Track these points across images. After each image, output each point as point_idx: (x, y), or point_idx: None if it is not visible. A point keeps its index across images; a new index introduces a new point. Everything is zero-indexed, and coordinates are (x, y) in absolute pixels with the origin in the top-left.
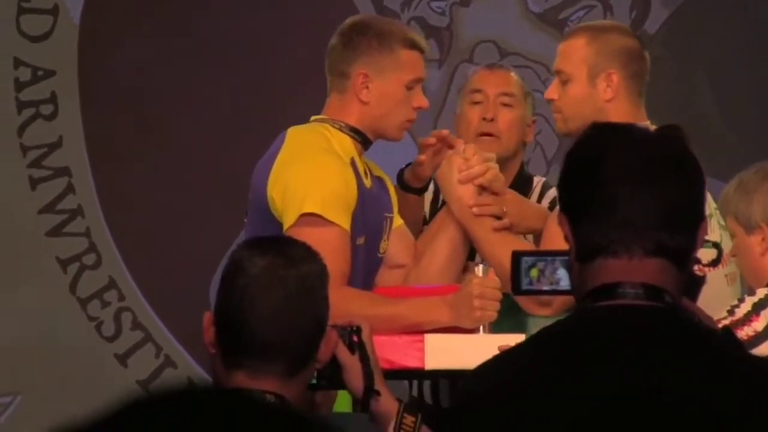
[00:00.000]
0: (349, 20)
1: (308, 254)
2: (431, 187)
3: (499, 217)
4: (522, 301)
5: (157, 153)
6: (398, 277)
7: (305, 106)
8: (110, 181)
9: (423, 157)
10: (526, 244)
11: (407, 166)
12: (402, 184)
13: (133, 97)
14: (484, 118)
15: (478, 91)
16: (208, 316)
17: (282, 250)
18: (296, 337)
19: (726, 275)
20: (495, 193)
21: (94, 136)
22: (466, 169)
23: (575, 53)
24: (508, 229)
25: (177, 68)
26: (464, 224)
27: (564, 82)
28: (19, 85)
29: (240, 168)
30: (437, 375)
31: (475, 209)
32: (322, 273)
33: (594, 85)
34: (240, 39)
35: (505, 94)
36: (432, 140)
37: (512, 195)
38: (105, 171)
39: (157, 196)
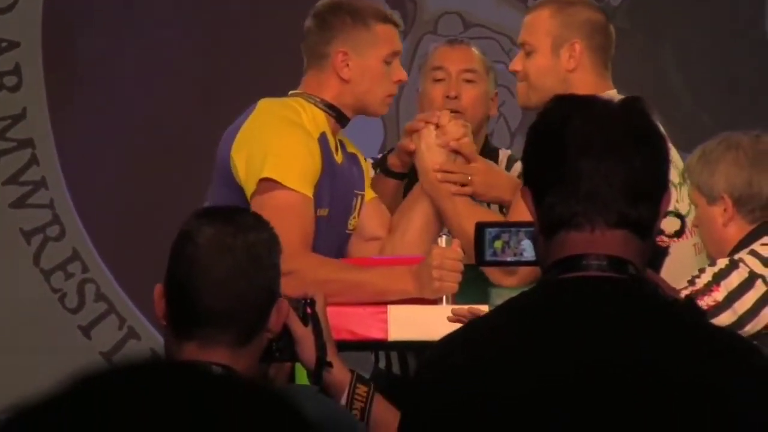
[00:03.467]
0: (320, 2)
1: (257, 222)
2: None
3: (463, 185)
4: (488, 271)
5: (121, 125)
6: (373, 249)
7: (278, 86)
8: (74, 153)
9: (412, 145)
10: (494, 215)
11: (390, 150)
12: (385, 169)
13: (97, 69)
14: (447, 96)
15: (439, 68)
16: (158, 288)
17: (230, 218)
18: (245, 305)
19: (694, 244)
20: (466, 159)
21: (58, 109)
22: (442, 135)
23: (540, 25)
24: (472, 197)
25: (145, 41)
26: (432, 196)
27: (528, 54)
28: None
29: (205, 138)
30: (400, 346)
31: (439, 175)
32: (270, 241)
33: (557, 56)
34: (214, 12)
35: (468, 71)
36: (420, 125)
37: (482, 163)
38: (69, 143)
39: (120, 168)
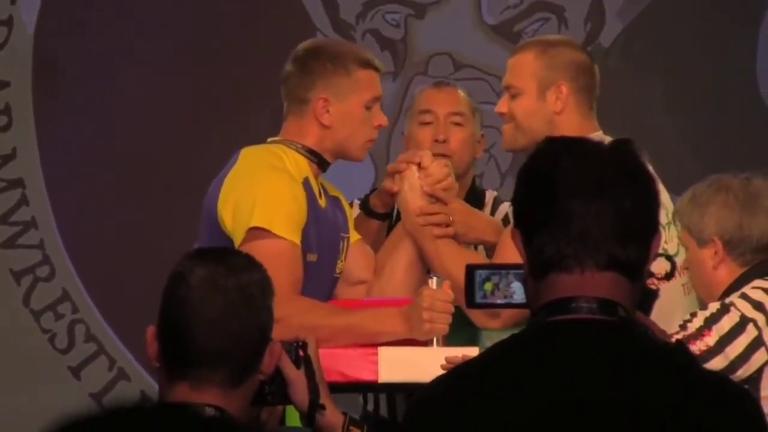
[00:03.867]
0: (301, 46)
1: (249, 264)
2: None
3: (446, 226)
4: (472, 313)
5: (111, 165)
6: (360, 292)
7: (263, 119)
8: (64, 193)
9: (395, 186)
10: (477, 257)
11: (373, 191)
12: (367, 210)
13: (87, 109)
14: (436, 140)
15: (427, 111)
16: (151, 330)
17: (222, 259)
18: (237, 345)
19: (683, 285)
20: (444, 202)
21: (48, 148)
22: (425, 177)
23: (524, 67)
24: (454, 238)
25: (133, 80)
26: (415, 238)
27: (514, 96)
28: None
29: (196, 181)
30: (391, 388)
31: (420, 218)
32: (263, 282)
33: (543, 98)
34: (199, 51)
35: (455, 114)
36: (402, 166)
37: (460, 205)
38: (59, 183)
39: (110, 208)
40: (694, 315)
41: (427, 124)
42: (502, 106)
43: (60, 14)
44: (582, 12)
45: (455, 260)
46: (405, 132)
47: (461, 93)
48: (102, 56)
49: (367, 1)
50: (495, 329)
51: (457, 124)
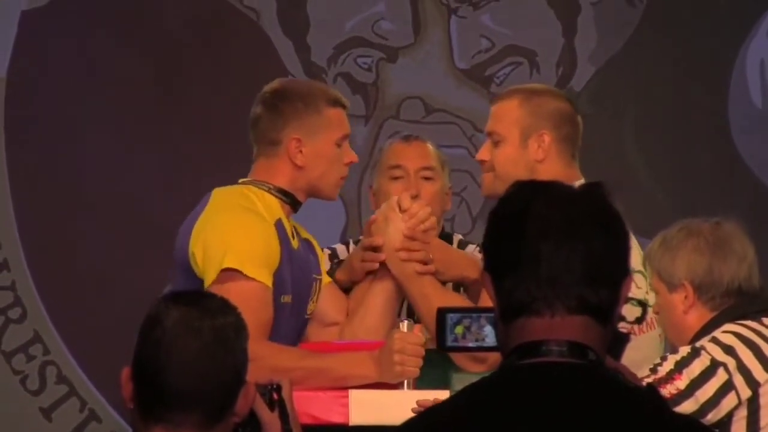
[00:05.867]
0: (267, 88)
1: (224, 306)
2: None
3: (425, 264)
4: (456, 357)
5: (83, 207)
6: (333, 334)
7: (234, 162)
8: (36, 235)
9: (379, 239)
10: (460, 299)
11: (339, 262)
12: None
13: (59, 151)
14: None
15: (397, 166)
16: (126, 372)
17: (197, 302)
18: (212, 386)
19: (660, 335)
20: (423, 241)
21: (20, 190)
22: (409, 218)
23: (508, 114)
24: (434, 275)
25: (105, 123)
26: (398, 278)
27: (496, 143)
28: None
29: (167, 222)
30: (362, 431)
31: (402, 254)
32: (237, 325)
33: (525, 146)
34: (170, 94)
35: (426, 168)
36: (380, 217)
37: (440, 243)
38: (30, 225)
39: (82, 250)
40: (664, 359)
41: (398, 178)
42: (484, 153)
43: (31, 62)
44: (554, 56)
45: (440, 300)
46: (374, 186)
47: (430, 147)
48: (72, 102)
49: (339, 45)
50: (479, 373)
51: (428, 178)
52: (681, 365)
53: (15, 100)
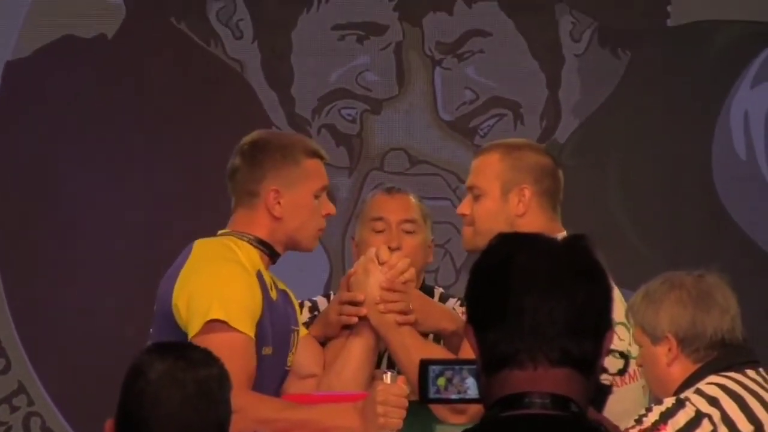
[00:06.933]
0: (246, 140)
1: (207, 358)
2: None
3: (405, 314)
4: (436, 408)
5: (67, 256)
6: (310, 386)
7: (217, 214)
8: (20, 285)
9: (360, 296)
10: (443, 351)
11: (315, 315)
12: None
13: (45, 200)
14: (389, 247)
15: (379, 219)
16: (109, 423)
17: (181, 354)
18: None
19: (643, 386)
20: (402, 292)
21: (4, 241)
22: (388, 269)
23: (488, 168)
24: (413, 325)
25: (91, 172)
26: (379, 330)
27: (477, 197)
28: None
29: (151, 273)
30: None
31: (381, 306)
32: (221, 376)
33: (506, 200)
34: (153, 146)
35: (408, 221)
36: (360, 269)
37: (417, 293)
38: (14, 274)
39: (66, 302)
40: (649, 409)
41: (380, 231)
42: (465, 207)
43: (11, 85)
44: (538, 108)
45: (420, 352)
46: (356, 237)
47: (413, 199)
48: (59, 151)
49: (323, 96)
50: (459, 424)
51: (409, 231)
52: (666, 416)
53: None
